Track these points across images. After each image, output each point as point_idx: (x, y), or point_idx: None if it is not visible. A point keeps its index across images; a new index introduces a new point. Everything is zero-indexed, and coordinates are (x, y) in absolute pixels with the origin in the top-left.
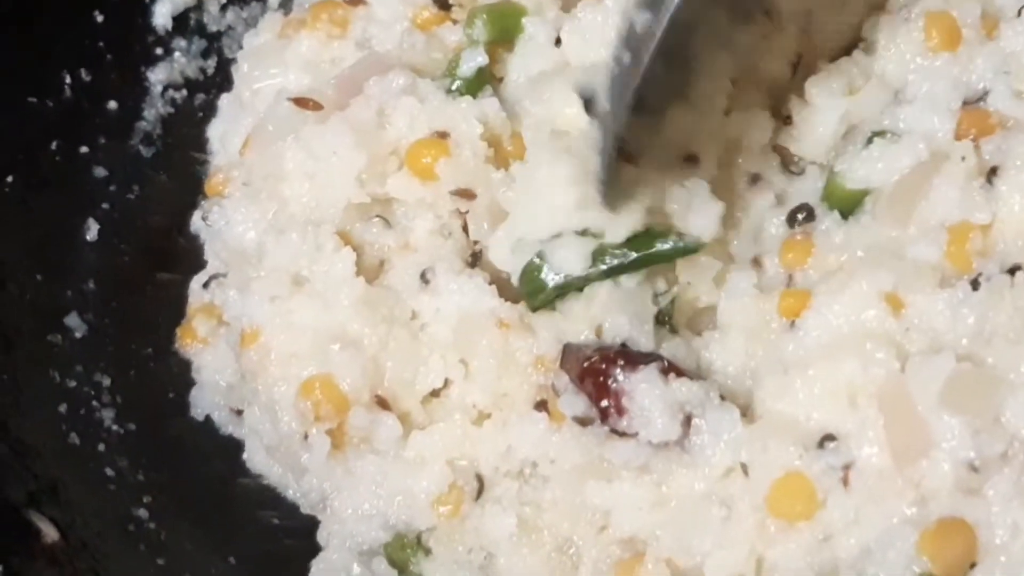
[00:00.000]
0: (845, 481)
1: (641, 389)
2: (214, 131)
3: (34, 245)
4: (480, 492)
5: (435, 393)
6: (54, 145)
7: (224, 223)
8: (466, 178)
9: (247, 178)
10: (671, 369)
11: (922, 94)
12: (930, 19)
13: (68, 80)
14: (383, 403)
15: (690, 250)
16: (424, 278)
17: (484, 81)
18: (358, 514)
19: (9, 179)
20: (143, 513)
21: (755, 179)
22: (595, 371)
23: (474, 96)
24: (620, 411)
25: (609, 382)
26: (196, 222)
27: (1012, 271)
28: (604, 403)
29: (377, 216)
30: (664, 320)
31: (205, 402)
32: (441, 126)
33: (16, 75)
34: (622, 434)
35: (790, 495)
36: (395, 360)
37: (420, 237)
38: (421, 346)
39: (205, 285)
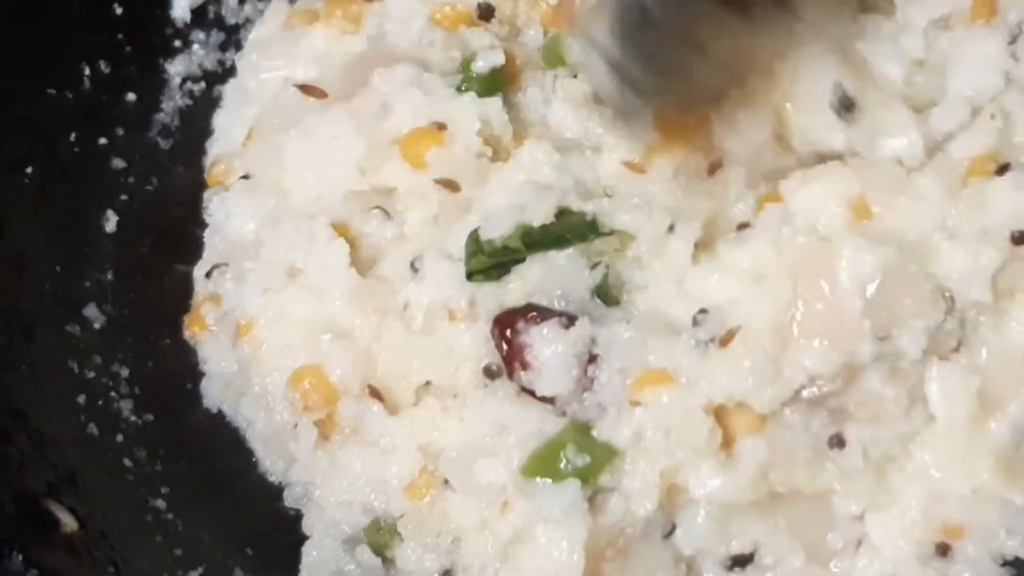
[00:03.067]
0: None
1: (541, 341)
2: (219, 120)
3: (53, 236)
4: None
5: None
6: (73, 136)
7: (225, 216)
8: (455, 170)
9: (248, 169)
10: (573, 321)
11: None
12: None
13: (87, 72)
14: (376, 394)
15: (603, 233)
16: (413, 267)
17: (499, 84)
18: (339, 502)
19: (28, 170)
20: (161, 504)
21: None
22: (503, 322)
23: (483, 95)
24: (524, 365)
25: (515, 335)
26: None
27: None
28: (507, 351)
29: (377, 207)
30: (603, 294)
31: (215, 393)
32: (441, 118)
33: (36, 67)
34: (530, 393)
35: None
36: (388, 351)
37: (413, 227)
38: (415, 337)
39: (207, 275)
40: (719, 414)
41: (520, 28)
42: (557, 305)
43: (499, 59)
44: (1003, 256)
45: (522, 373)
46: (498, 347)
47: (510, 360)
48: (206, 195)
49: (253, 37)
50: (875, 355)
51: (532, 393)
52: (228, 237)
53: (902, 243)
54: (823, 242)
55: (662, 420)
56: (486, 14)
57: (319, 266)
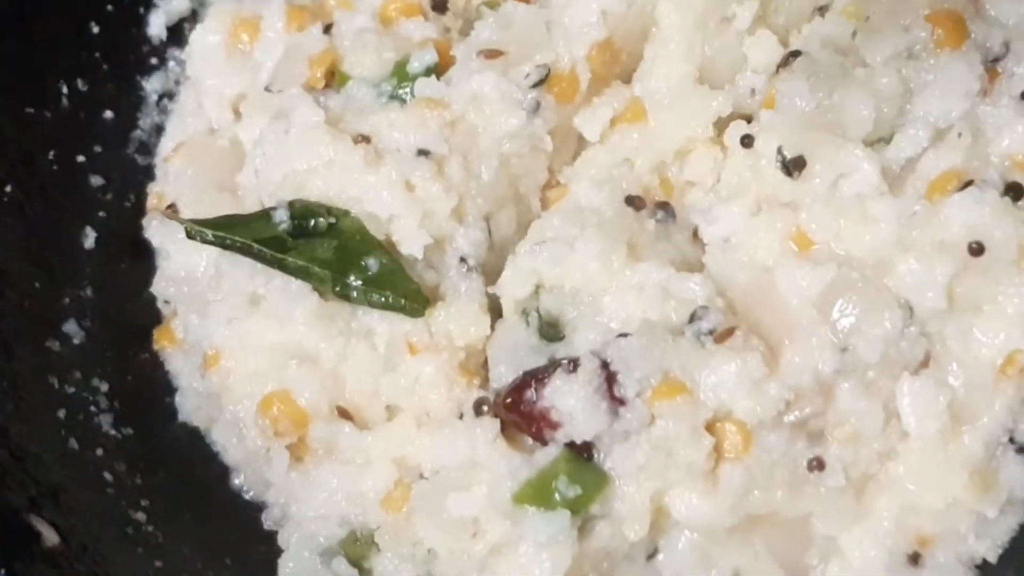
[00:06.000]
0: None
1: (558, 396)
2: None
3: (32, 253)
4: None
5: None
6: (51, 154)
7: (173, 249)
8: None
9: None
10: (576, 364)
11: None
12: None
13: (65, 90)
14: (345, 414)
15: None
16: None
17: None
18: (316, 516)
19: (7, 188)
20: (141, 516)
21: None
22: (512, 403)
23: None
24: (553, 426)
25: (532, 406)
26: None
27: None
28: (534, 428)
29: None
30: (548, 330)
31: (188, 408)
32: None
33: (14, 86)
34: (572, 444)
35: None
36: (355, 372)
37: None
38: (381, 359)
39: (167, 302)
40: (711, 432)
41: (474, 22)
42: (525, 364)
43: (433, 57)
44: (958, 265)
45: (556, 433)
46: (523, 429)
47: (539, 433)
48: (144, 221)
49: (196, 46)
50: (838, 365)
51: (574, 444)
52: (177, 276)
53: (847, 261)
54: (764, 272)
55: (671, 435)
56: (440, 5)
57: (281, 292)
